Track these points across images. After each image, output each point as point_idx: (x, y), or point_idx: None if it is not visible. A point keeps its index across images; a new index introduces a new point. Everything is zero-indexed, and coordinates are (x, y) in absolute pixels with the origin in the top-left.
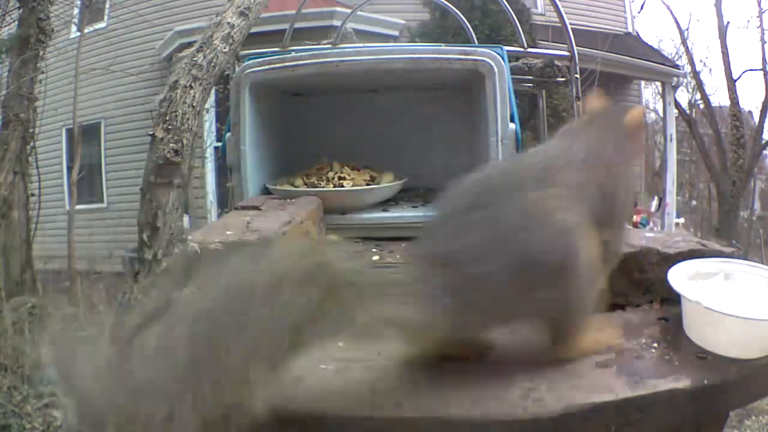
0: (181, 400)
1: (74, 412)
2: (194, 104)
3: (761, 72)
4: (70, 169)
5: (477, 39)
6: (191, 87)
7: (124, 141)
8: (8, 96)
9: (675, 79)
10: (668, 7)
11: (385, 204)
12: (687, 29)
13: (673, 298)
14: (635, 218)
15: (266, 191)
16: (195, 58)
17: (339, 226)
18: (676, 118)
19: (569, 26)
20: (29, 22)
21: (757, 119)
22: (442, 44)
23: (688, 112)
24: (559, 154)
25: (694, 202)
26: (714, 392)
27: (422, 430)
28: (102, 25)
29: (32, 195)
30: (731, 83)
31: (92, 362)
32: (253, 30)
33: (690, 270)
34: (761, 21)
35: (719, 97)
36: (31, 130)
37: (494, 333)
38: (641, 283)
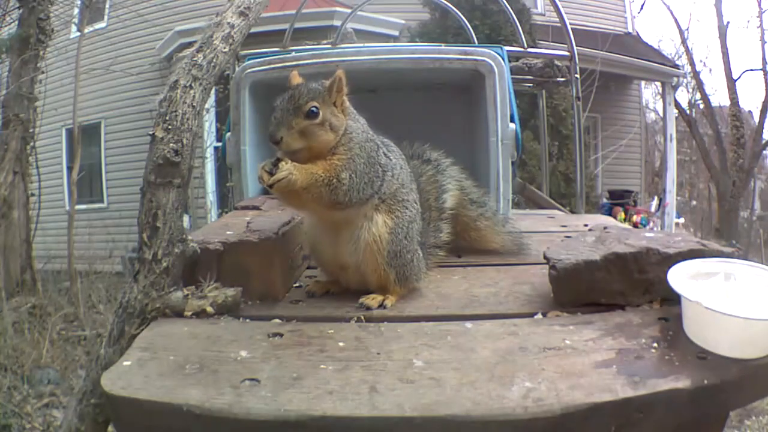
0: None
1: None
2: (194, 104)
3: (761, 72)
4: (70, 169)
5: (477, 39)
6: (191, 87)
7: (124, 141)
8: (8, 96)
9: (675, 79)
10: (668, 7)
11: None
12: (687, 29)
13: (673, 298)
14: (635, 218)
15: (266, 191)
16: (195, 58)
17: None
18: (676, 118)
19: (569, 26)
20: (29, 22)
21: (757, 119)
22: (442, 44)
23: (688, 112)
24: None
25: (694, 202)
26: (714, 392)
27: (422, 429)
28: (102, 25)
29: (32, 195)
30: (731, 83)
31: None
32: (253, 30)
33: (690, 270)
34: (761, 21)
35: (719, 97)
36: (31, 130)
37: None
38: (641, 283)
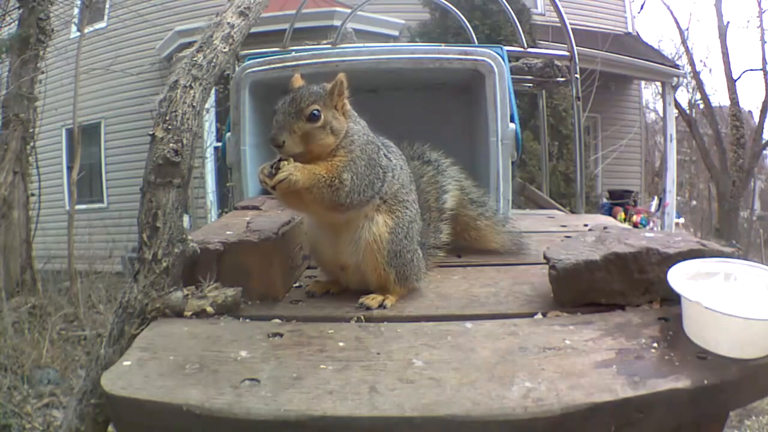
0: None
1: None
2: (194, 104)
3: (761, 72)
4: (70, 169)
5: (477, 39)
6: (191, 87)
7: (124, 141)
8: (8, 96)
9: (675, 79)
10: (668, 7)
11: None
12: (687, 29)
13: (673, 298)
14: (635, 218)
15: (266, 191)
16: (195, 58)
17: None
18: (676, 118)
19: (569, 26)
20: (29, 22)
21: (757, 119)
22: (442, 44)
23: (688, 112)
24: None
25: (694, 202)
26: (714, 392)
27: (422, 429)
28: (102, 25)
29: (32, 195)
30: (731, 83)
31: None
32: (253, 30)
33: (690, 270)
34: (761, 21)
35: (719, 97)
36: (31, 130)
37: None
38: (641, 283)
